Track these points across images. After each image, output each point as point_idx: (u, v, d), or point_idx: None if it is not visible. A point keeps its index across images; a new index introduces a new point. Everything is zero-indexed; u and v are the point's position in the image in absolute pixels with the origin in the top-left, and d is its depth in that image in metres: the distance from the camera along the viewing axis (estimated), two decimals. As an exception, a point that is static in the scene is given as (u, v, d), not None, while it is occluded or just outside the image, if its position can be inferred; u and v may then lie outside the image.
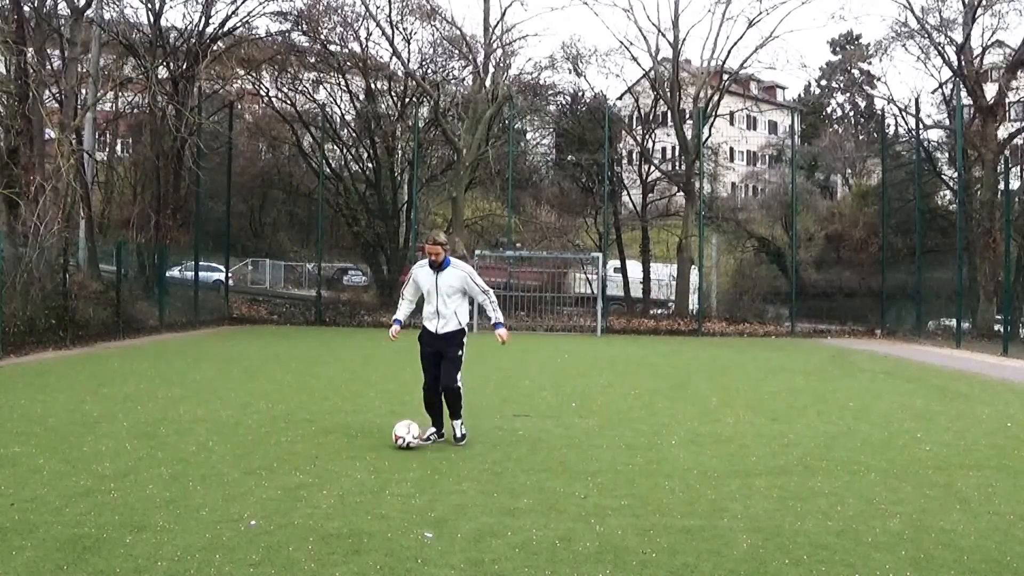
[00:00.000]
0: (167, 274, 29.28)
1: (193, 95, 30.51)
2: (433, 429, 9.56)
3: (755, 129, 66.37)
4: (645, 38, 53.29)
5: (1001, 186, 30.50)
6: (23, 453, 8.36)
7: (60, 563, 5.23)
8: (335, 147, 39.87)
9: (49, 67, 26.12)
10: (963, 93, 32.28)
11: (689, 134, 37.12)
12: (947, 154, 37.92)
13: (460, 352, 9.44)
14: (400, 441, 9.07)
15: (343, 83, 39.23)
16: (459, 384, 9.38)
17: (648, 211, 40.97)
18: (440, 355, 9.41)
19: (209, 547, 5.59)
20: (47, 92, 25.61)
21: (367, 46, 37.69)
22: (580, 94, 43.56)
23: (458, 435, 9.45)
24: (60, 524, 6.05)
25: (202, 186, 32.86)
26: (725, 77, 38.76)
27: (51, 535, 5.79)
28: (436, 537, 5.92)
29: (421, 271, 9.54)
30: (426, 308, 9.56)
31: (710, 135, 38.70)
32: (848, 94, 74.47)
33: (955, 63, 32.63)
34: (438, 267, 9.36)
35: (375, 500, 6.87)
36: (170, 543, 5.65)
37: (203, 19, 30.53)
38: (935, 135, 39.91)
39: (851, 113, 77.49)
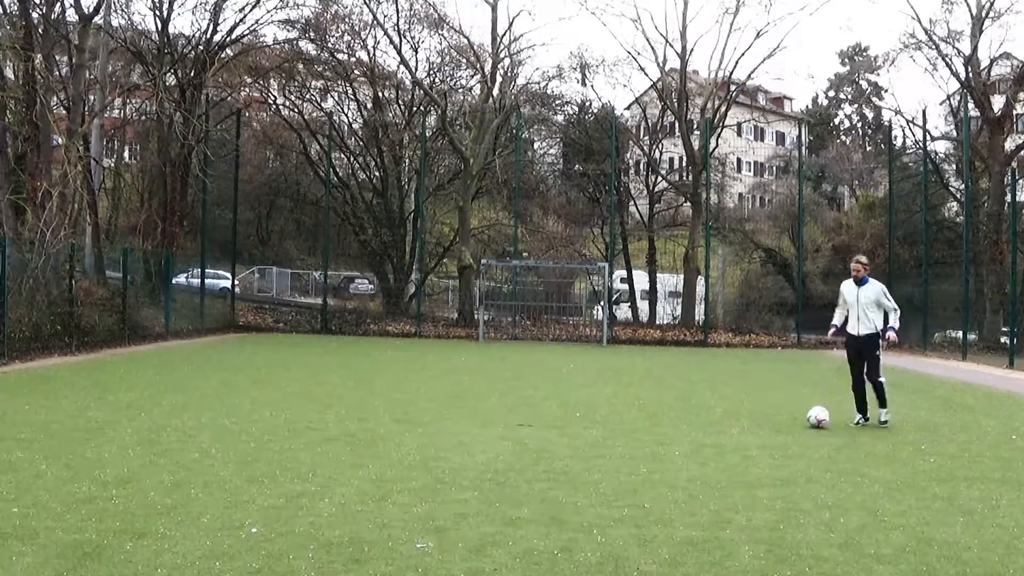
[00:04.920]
0: (173, 281, 29.28)
1: (200, 103, 30.56)
2: (860, 415, 12.11)
3: (762, 140, 66.33)
4: (653, 48, 53.19)
5: (1008, 198, 30.44)
6: (25, 459, 8.36)
7: (60, 569, 5.22)
8: (342, 156, 39.95)
9: (57, 73, 26.16)
10: (970, 105, 32.24)
11: (696, 145, 37.10)
12: (954, 166, 37.94)
13: (878, 352, 11.95)
14: (814, 419, 11.74)
15: (350, 92, 39.31)
16: (882, 378, 11.95)
17: (655, 221, 41.00)
18: (862, 355, 12.05)
19: (210, 554, 5.58)
20: (54, 98, 25.64)
21: (375, 55, 37.82)
22: (587, 104, 43.62)
23: (882, 419, 11.93)
24: (61, 530, 6.04)
25: (209, 194, 32.97)
26: (733, 88, 38.77)
27: (52, 541, 5.79)
28: (437, 546, 5.90)
29: (845, 285, 12.18)
30: (850, 316, 12.08)
31: (717, 146, 38.68)
32: (856, 105, 74.54)
33: (962, 75, 32.61)
34: (859, 282, 11.95)
35: (377, 509, 6.86)
36: (171, 550, 5.64)
37: (211, 26, 30.63)
38: (942, 147, 39.96)
39: (858, 124, 77.53)
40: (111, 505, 6.75)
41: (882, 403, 11.97)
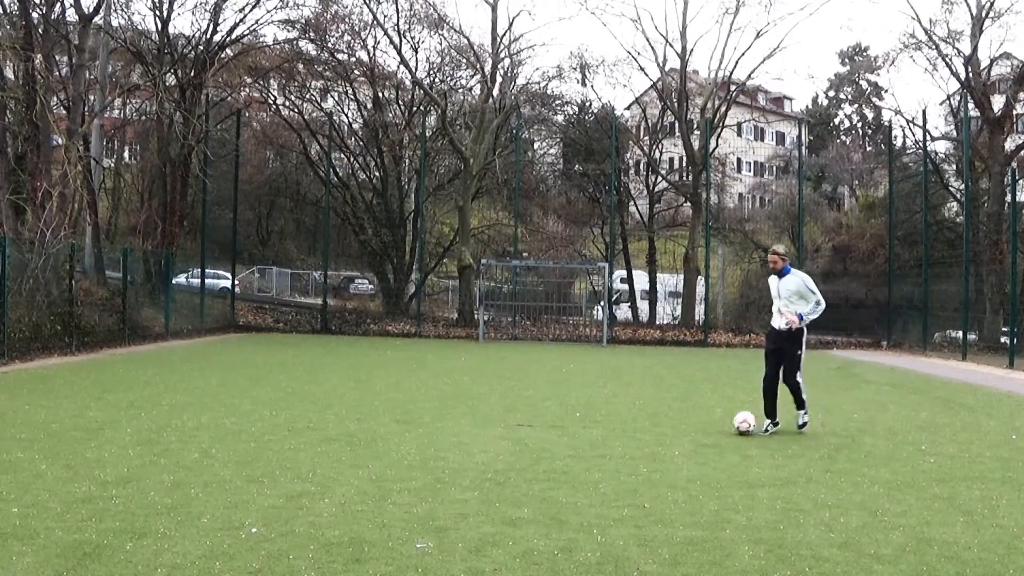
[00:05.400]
0: (173, 281, 29.26)
1: (200, 102, 30.55)
2: (768, 421, 11.16)
3: (762, 140, 66.38)
4: (653, 48, 53.32)
5: (1008, 198, 30.44)
6: (25, 459, 8.36)
7: (60, 569, 5.22)
8: (342, 156, 39.93)
9: (57, 73, 26.15)
10: (970, 105, 32.25)
11: (696, 145, 37.11)
12: (954, 166, 37.96)
13: (799, 351, 11.08)
14: (744, 425, 10.90)
15: (350, 92, 39.31)
16: (799, 380, 11.07)
17: (655, 221, 41.00)
18: (780, 351, 11.15)
19: (209, 554, 5.58)
20: (55, 98, 25.64)
21: (375, 55, 37.83)
22: (587, 104, 43.63)
23: (799, 422, 11.18)
24: (61, 530, 6.04)
25: (209, 194, 32.94)
26: (733, 88, 38.78)
27: (52, 541, 5.78)
28: (437, 546, 5.89)
29: (770, 278, 11.44)
30: (773, 309, 11.32)
31: (717, 146, 38.70)
32: (856, 105, 74.54)
33: (962, 75, 32.61)
34: (778, 273, 11.17)
35: (377, 508, 6.85)
36: (170, 550, 5.64)
37: (211, 26, 30.63)
38: (942, 147, 40.00)
39: (858, 124, 77.50)
40: (111, 505, 6.74)
41: (799, 404, 11.20)
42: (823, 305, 10.95)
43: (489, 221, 41.40)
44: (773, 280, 11.26)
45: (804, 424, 11.14)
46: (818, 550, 6.01)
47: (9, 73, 24.91)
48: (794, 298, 10.95)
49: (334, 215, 36.88)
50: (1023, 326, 26.36)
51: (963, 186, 32.39)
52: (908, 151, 40.28)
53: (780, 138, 69.64)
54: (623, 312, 39.21)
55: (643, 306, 40.03)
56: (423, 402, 13.50)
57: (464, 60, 37.89)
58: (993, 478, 8.60)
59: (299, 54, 35.85)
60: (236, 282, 36.01)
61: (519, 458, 9.08)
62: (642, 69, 67.71)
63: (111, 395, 13.33)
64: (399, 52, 35.97)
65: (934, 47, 33.74)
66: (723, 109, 38.07)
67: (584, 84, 41.80)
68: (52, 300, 20.84)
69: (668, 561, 5.69)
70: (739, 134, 57.45)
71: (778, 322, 11.10)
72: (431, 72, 38.92)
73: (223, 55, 31.26)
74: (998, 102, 33.47)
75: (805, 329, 11.02)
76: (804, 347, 11.14)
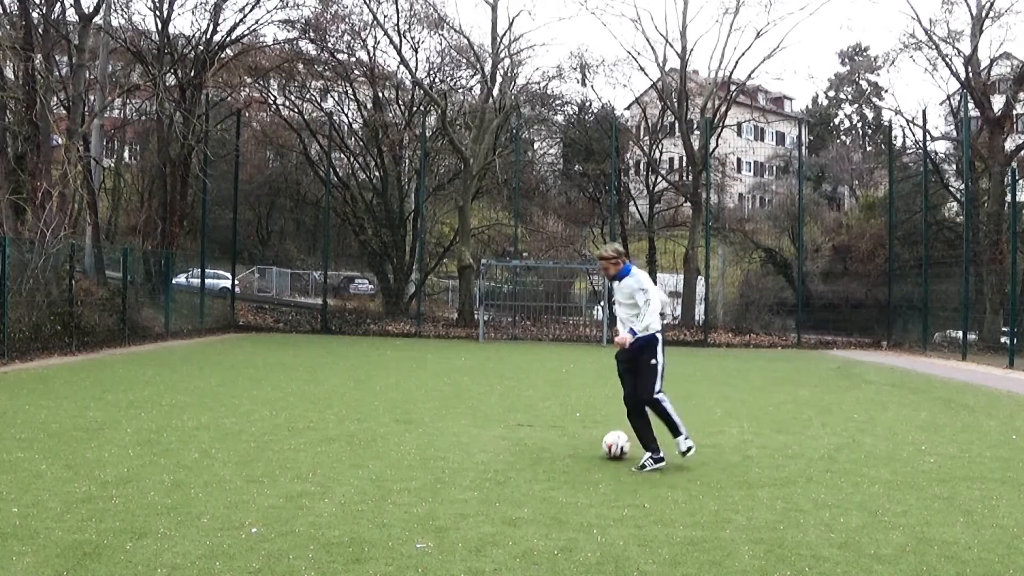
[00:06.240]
0: (173, 281, 29.24)
1: (200, 102, 30.54)
2: (648, 455, 8.89)
3: (762, 140, 66.41)
4: (653, 48, 53.60)
5: (1008, 198, 30.43)
6: (25, 458, 8.36)
7: (60, 569, 5.22)
8: (342, 155, 39.93)
9: (57, 73, 26.14)
10: (970, 105, 32.24)
11: (696, 145, 37.11)
12: (954, 166, 37.96)
13: (653, 360, 8.82)
14: (612, 450, 9.16)
15: (350, 92, 39.32)
16: (659, 396, 8.86)
17: (655, 221, 41.03)
18: (633, 366, 8.97)
19: (210, 554, 5.57)
20: (54, 98, 25.63)
21: (375, 55, 37.84)
22: (587, 104, 43.68)
23: (681, 449, 8.95)
24: (61, 530, 6.04)
25: (209, 194, 32.92)
26: (732, 88, 38.80)
27: (52, 541, 5.78)
28: (437, 546, 5.89)
29: (612, 284, 9.26)
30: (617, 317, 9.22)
31: (717, 146, 38.72)
32: (856, 105, 74.49)
33: (962, 75, 32.61)
34: (615, 278, 9.01)
35: (377, 509, 6.85)
36: (170, 550, 5.64)
37: (211, 26, 30.65)
38: (942, 147, 40.02)
39: (858, 124, 77.44)
40: (111, 505, 6.74)
41: (672, 430, 8.97)
42: (653, 304, 8.76)
43: (489, 221, 41.44)
44: (615, 286, 9.11)
45: (688, 450, 8.97)
46: (818, 550, 6.01)
47: (9, 73, 24.89)
48: (634, 304, 8.89)
49: (334, 215, 36.86)
50: (1023, 326, 26.35)
51: (963, 186, 32.38)
52: (908, 151, 40.32)
53: (780, 138, 69.64)
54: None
55: (643, 306, 39.99)
56: (423, 402, 13.50)
57: (464, 60, 37.92)
58: (993, 478, 8.60)
59: (299, 54, 35.84)
60: (236, 282, 35.99)
61: (519, 458, 9.08)
62: (642, 69, 68.21)
63: (111, 395, 13.33)
64: (399, 52, 36.01)
65: (934, 47, 33.77)
66: (723, 109, 38.09)
67: (584, 84, 41.92)
68: (52, 300, 20.84)
69: (668, 561, 5.69)
70: (739, 134, 57.49)
71: (623, 332, 8.98)
72: (431, 72, 38.98)
73: (223, 55, 31.25)
74: (998, 102, 33.48)
75: (660, 336, 8.89)
76: (661, 357, 8.88)
